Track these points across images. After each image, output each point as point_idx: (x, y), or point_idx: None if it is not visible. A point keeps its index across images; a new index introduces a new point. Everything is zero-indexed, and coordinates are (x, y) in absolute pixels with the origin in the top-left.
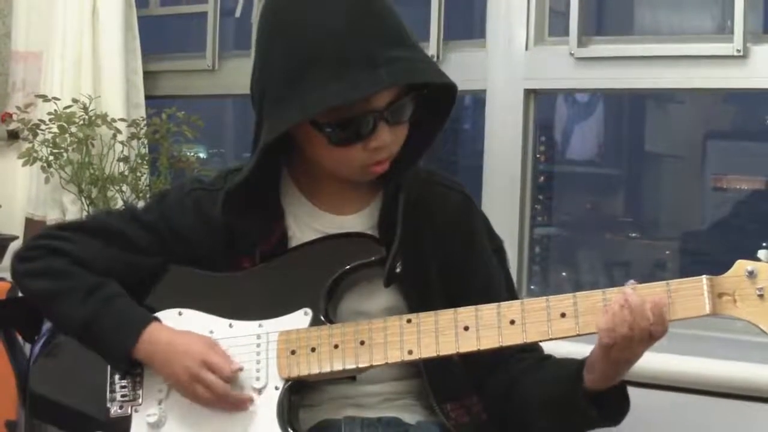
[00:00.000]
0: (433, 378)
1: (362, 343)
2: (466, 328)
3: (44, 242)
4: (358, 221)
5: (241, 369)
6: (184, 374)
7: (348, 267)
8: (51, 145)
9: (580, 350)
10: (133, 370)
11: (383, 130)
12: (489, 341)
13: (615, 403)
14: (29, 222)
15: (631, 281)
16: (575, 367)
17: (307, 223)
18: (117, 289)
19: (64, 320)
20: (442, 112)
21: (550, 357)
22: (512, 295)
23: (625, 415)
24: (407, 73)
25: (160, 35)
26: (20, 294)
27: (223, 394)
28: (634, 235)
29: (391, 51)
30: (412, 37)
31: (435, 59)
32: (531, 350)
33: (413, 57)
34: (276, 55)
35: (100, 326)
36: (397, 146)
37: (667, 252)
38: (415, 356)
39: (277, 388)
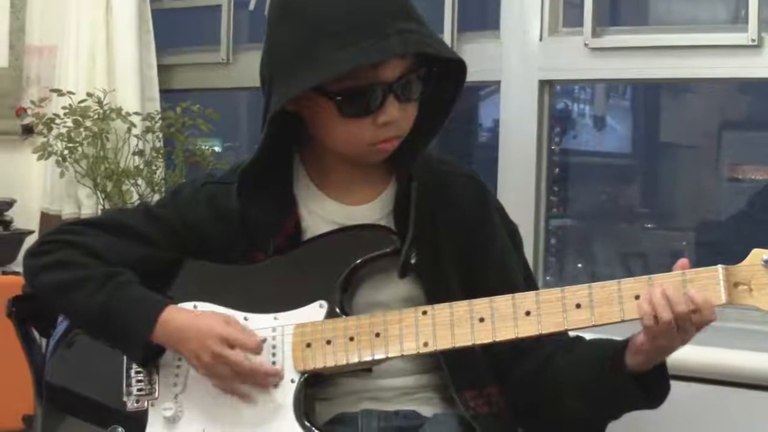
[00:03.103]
0: (453, 367)
1: (377, 335)
2: (482, 320)
3: (56, 237)
4: (371, 211)
5: (264, 340)
6: (206, 355)
7: (362, 259)
8: (66, 139)
9: None
10: (151, 357)
11: (392, 105)
12: (505, 333)
13: (657, 384)
14: (45, 216)
15: (682, 260)
16: (615, 348)
17: (320, 214)
18: (131, 276)
19: (80, 309)
20: (452, 95)
21: (580, 338)
22: (529, 278)
23: (666, 397)
24: (418, 44)
25: (174, 28)
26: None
27: (250, 369)
28: (649, 225)
29: (401, 24)
30: (423, 17)
31: None
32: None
33: (423, 31)
34: (288, 31)
35: (117, 312)
36: (407, 125)
37: (684, 242)
38: (430, 348)
39: (293, 381)
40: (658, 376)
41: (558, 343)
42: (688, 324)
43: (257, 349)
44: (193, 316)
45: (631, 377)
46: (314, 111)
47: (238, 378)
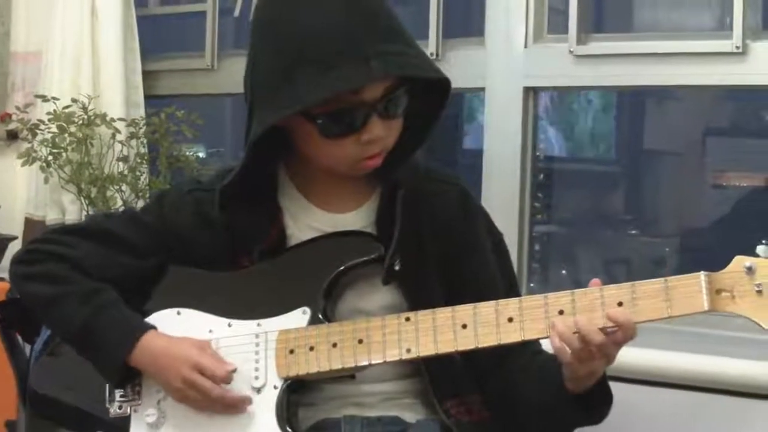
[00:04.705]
0: (434, 376)
1: (360, 341)
2: (465, 326)
3: (43, 246)
4: (356, 219)
5: (234, 370)
6: (177, 380)
7: (346, 265)
8: (50, 145)
9: None
10: (126, 381)
11: (376, 124)
12: (487, 339)
13: (595, 403)
14: (29, 222)
15: (595, 280)
16: (557, 368)
17: (305, 222)
18: (115, 296)
19: (62, 325)
20: (437, 107)
21: (542, 352)
22: (514, 287)
23: (607, 413)
24: (398, 66)
25: (158, 34)
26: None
27: (218, 397)
28: (633, 232)
29: (384, 45)
30: (408, 34)
31: (434, 57)
32: (528, 343)
33: (406, 51)
34: (268, 52)
35: (97, 331)
36: (392, 140)
37: (667, 249)
38: (413, 354)
39: (276, 388)
40: (595, 391)
41: (523, 358)
42: (607, 348)
43: (225, 379)
44: (169, 342)
45: (572, 397)
46: (298, 130)
47: (209, 404)
